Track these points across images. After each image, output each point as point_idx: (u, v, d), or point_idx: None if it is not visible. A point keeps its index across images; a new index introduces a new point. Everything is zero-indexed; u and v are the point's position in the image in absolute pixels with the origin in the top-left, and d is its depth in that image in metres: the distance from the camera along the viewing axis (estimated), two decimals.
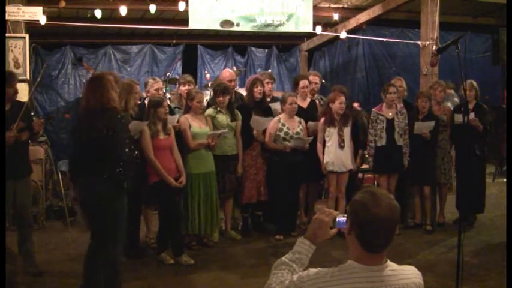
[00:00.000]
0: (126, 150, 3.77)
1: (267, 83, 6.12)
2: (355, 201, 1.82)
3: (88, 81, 3.90)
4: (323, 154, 5.67)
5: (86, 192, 3.72)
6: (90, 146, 3.62)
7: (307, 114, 5.96)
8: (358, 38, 9.92)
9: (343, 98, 5.64)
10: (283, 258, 1.97)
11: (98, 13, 7.16)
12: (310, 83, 6.18)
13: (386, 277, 1.80)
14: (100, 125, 3.55)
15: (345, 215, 1.90)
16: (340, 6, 8.64)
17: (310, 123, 5.89)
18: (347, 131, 5.67)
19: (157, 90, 5.72)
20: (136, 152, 4.77)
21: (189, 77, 6.02)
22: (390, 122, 5.81)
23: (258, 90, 5.77)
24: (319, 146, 5.70)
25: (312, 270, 1.83)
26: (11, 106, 4.41)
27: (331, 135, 5.63)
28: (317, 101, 6.29)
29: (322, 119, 5.70)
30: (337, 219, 1.93)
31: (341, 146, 5.61)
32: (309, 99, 6.16)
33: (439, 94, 6.12)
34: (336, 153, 5.61)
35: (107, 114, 3.59)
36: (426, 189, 5.94)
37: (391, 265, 1.84)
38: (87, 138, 3.63)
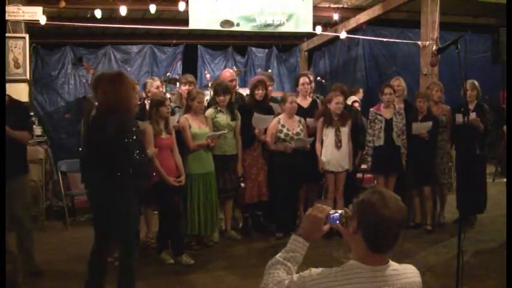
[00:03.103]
0: (136, 152, 3.56)
1: (268, 85, 6.11)
2: (363, 201, 1.80)
3: (108, 79, 3.63)
4: (321, 153, 5.67)
5: (96, 193, 3.68)
6: (102, 146, 3.50)
7: (308, 114, 5.94)
8: (358, 38, 9.91)
9: (340, 98, 5.63)
10: (277, 257, 1.93)
11: (98, 13, 7.16)
12: (311, 82, 6.16)
13: (389, 277, 1.80)
14: (113, 125, 3.44)
15: (338, 211, 1.89)
16: (340, 6, 8.64)
17: (309, 119, 5.87)
18: (345, 131, 5.66)
19: (157, 88, 5.71)
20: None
21: (190, 77, 6.01)
22: (388, 122, 5.80)
23: (259, 93, 5.77)
24: (317, 145, 5.70)
25: (315, 270, 1.82)
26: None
27: (328, 135, 5.64)
28: (318, 101, 6.29)
29: (321, 119, 5.69)
30: (330, 215, 1.90)
31: (338, 146, 5.60)
32: (310, 99, 6.15)
33: (435, 94, 6.11)
34: (332, 152, 5.61)
35: (123, 116, 3.49)
36: (426, 190, 5.94)
37: (393, 265, 1.85)
38: (101, 138, 3.51)
